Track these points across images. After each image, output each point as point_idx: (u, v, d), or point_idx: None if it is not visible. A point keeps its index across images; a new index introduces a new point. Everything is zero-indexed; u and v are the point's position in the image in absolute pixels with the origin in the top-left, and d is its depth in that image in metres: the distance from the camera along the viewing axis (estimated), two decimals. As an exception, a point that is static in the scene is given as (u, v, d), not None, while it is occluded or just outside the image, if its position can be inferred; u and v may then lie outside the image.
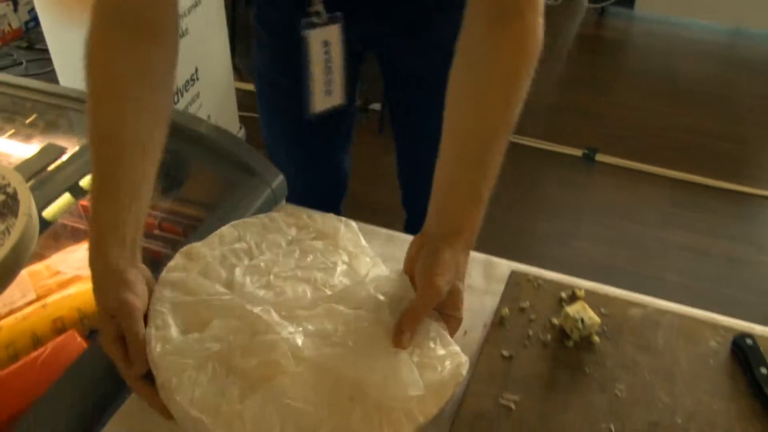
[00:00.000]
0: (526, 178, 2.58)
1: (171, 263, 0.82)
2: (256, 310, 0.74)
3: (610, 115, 2.92)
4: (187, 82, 2.00)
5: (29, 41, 3.42)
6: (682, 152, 2.70)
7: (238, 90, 2.57)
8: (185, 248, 0.83)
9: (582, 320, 0.78)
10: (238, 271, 0.80)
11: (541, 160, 2.68)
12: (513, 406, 0.72)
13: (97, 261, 0.75)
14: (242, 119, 2.64)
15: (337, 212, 1.01)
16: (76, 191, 1.01)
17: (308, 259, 0.84)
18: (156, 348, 0.71)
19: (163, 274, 0.80)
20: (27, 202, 0.82)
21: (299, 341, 0.72)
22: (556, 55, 3.39)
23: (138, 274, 0.76)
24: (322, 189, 1.39)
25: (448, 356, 0.72)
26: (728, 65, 3.40)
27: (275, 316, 0.74)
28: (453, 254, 0.74)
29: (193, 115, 1.29)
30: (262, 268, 0.82)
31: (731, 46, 3.63)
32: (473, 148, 0.78)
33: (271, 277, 0.81)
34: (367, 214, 1.10)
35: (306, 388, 0.70)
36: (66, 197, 1.03)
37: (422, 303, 0.72)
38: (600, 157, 2.65)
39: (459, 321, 0.75)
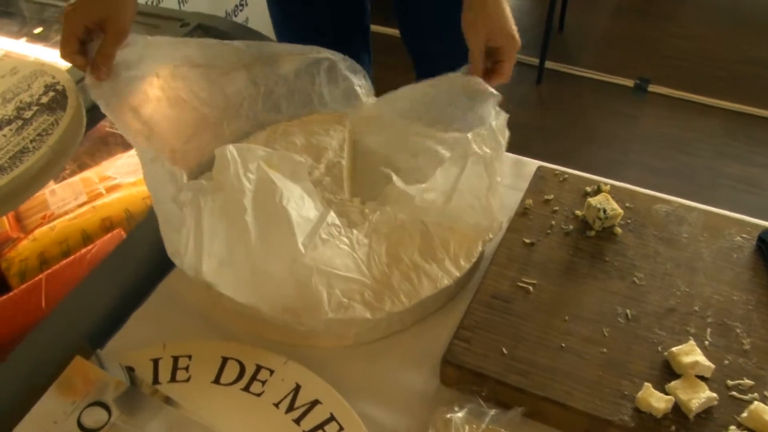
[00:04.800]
0: (573, 108, 2.54)
1: None
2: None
3: (665, 46, 2.82)
4: (237, 6, 2.02)
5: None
6: (739, 83, 2.60)
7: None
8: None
9: (604, 210, 0.79)
10: None
11: (590, 91, 2.62)
12: (531, 288, 0.74)
13: None
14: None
15: None
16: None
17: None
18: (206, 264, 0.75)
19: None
20: (75, 98, 0.86)
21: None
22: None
23: None
24: None
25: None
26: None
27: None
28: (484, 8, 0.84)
29: (244, 25, 1.32)
30: None
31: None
32: None
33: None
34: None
35: (345, 258, 0.74)
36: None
37: (474, 58, 0.84)
38: (652, 88, 2.58)
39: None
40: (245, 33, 1.16)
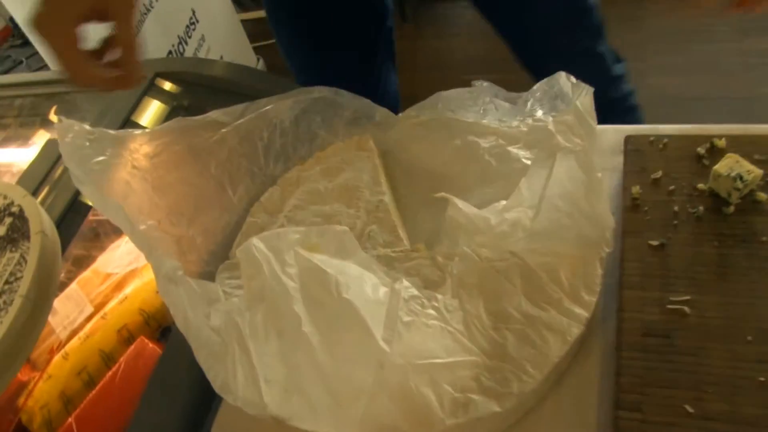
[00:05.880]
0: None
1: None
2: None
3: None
4: (188, 27, 1.82)
5: (22, 37, 3.26)
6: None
7: (244, 21, 2.38)
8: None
9: (740, 177, 0.61)
10: None
11: (583, 4, 2.41)
12: (686, 309, 0.56)
13: None
14: (257, 50, 2.46)
15: None
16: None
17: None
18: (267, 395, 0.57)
19: None
20: (37, 218, 0.68)
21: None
22: None
23: None
24: None
25: None
26: None
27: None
28: None
29: (201, 58, 1.13)
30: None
31: None
32: None
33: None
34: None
35: (441, 338, 0.56)
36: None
37: None
38: (650, -19, 2.37)
39: None
40: (210, 67, 0.97)
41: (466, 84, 0.81)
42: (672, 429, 0.50)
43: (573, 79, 0.70)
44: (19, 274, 0.64)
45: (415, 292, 0.58)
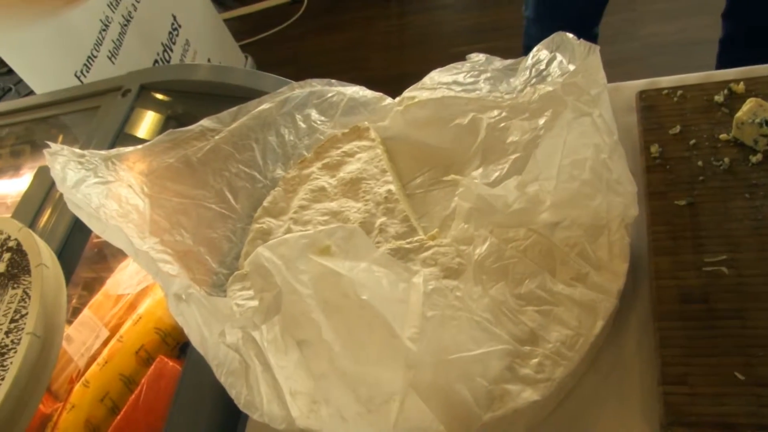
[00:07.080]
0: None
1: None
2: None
3: None
4: (170, 33, 1.78)
5: (5, 64, 3.21)
6: None
7: (227, 21, 2.33)
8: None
9: (765, 122, 0.57)
10: None
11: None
12: (724, 269, 0.53)
13: None
14: (244, 48, 2.42)
15: None
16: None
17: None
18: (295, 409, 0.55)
19: None
20: (35, 250, 0.66)
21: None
22: None
23: None
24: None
25: None
26: None
27: None
28: None
29: (185, 64, 1.10)
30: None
31: None
32: None
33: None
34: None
35: (468, 328, 0.54)
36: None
37: None
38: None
39: None
40: (196, 72, 0.94)
41: (457, 57, 0.77)
42: (724, 400, 0.47)
43: (575, 38, 0.67)
44: (24, 311, 0.61)
45: (435, 284, 0.55)
